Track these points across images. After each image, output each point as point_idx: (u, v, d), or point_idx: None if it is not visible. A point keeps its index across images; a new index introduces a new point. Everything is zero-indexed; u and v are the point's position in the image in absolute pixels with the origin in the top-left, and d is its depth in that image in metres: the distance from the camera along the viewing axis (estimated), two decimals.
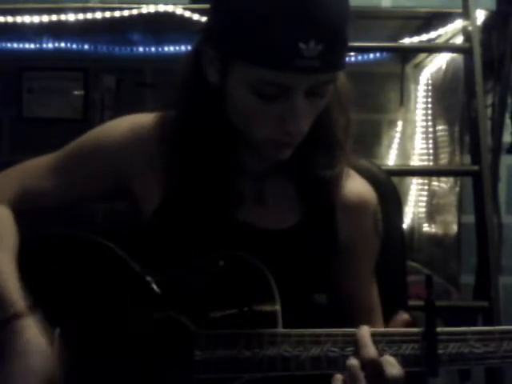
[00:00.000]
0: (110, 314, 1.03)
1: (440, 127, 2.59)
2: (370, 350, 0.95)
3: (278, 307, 1.00)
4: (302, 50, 0.91)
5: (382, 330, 1.00)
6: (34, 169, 1.16)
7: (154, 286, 1.04)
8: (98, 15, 2.21)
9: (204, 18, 2.11)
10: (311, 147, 1.08)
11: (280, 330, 0.99)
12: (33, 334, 0.95)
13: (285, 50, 0.92)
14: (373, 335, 0.98)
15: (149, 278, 1.05)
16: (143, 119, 1.14)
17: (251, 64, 0.94)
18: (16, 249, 1.05)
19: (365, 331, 0.98)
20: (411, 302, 1.36)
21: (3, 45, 2.59)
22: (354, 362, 0.95)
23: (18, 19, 2.23)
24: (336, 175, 1.11)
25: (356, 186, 1.16)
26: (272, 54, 0.92)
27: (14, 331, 0.94)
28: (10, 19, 2.24)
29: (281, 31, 0.91)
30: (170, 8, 2.17)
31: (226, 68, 0.99)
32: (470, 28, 1.99)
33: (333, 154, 1.10)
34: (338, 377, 0.96)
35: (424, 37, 2.33)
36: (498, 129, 2.17)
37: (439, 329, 0.98)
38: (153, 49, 2.61)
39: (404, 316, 1.02)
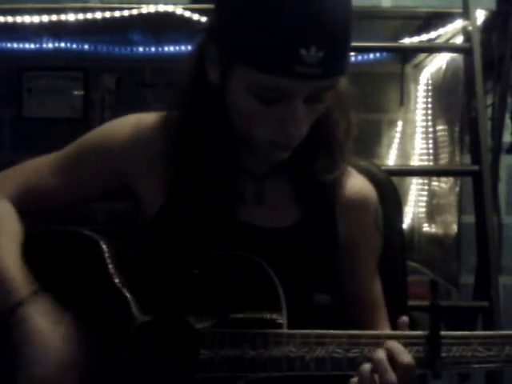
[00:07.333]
0: (113, 314, 1.03)
1: (440, 127, 2.59)
2: (391, 376, 0.94)
3: (284, 320, 1.00)
4: (302, 57, 0.90)
5: (386, 332, 1.00)
6: (37, 168, 1.16)
7: (159, 286, 1.04)
8: (98, 15, 2.21)
9: (204, 18, 2.11)
10: (310, 150, 1.08)
11: (285, 330, 0.99)
12: (40, 321, 0.96)
13: (285, 55, 0.91)
14: (377, 338, 0.98)
15: (153, 278, 1.05)
16: (145, 119, 1.14)
17: (251, 68, 0.94)
18: (20, 236, 1.06)
19: (381, 354, 0.96)
20: (411, 302, 1.36)
21: (3, 45, 2.60)
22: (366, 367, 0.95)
23: (18, 19, 2.24)
24: (335, 178, 1.11)
25: (356, 184, 1.16)
26: (272, 60, 0.92)
27: (20, 319, 0.96)
28: (9, 19, 2.24)
29: (282, 36, 0.90)
30: (170, 8, 2.18)
31: (226, 69, 0.99)
32: (469, 28, 1.99)
33: (332, 157, 1.10)
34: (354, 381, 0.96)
35: (424, 37, 2.33)
36: (497, 129, 2.18)
37: (443, 332, 0.98)
38: (153, 49, 2.61)
39: (403, 319, 1.01)
